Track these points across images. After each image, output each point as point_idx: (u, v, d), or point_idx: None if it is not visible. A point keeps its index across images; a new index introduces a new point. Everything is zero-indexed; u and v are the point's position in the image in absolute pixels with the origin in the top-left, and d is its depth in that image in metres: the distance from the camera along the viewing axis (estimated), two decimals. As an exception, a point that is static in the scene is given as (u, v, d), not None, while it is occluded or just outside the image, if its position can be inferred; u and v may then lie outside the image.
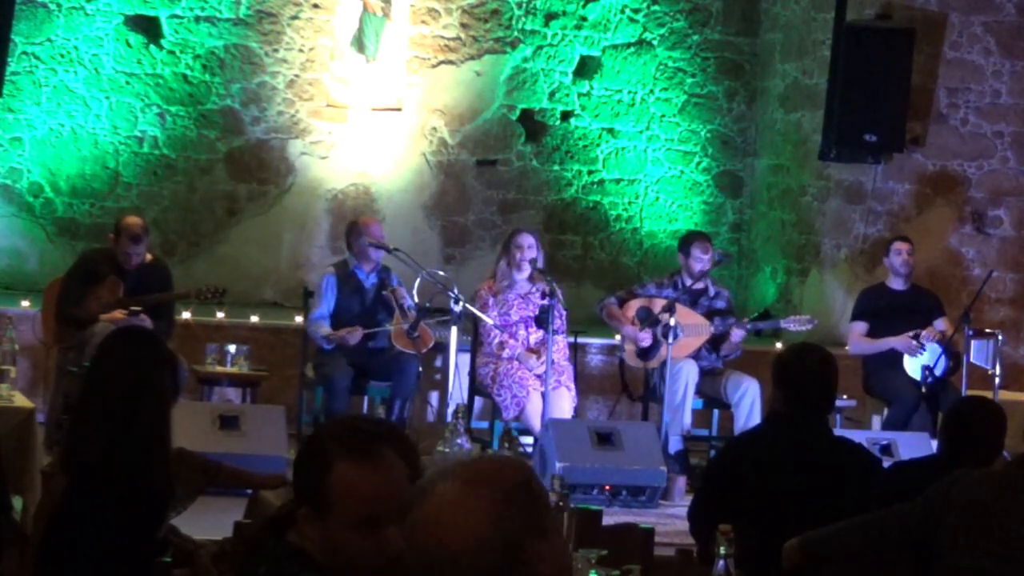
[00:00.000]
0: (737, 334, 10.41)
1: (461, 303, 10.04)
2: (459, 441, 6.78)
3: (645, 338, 10.42)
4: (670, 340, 10.04)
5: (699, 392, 10.40)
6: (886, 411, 10.69)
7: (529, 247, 10.31)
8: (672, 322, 10.02)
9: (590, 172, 13.70)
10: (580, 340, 10.93)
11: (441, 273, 10.59)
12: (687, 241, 10.74)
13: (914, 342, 10.54)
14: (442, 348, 10.61)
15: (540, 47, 13.55)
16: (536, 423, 9.92)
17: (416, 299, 10.29)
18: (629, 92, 13.70)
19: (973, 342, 10.53)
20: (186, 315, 11.08)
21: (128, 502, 5.11)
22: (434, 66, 13.38)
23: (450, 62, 13.42)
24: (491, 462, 2.83)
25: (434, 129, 13.41)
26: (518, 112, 13.59)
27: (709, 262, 10.53)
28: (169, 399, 5.37)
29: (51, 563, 5.16)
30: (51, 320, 10.03)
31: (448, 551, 2.75)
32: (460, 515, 2.75)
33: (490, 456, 2.96)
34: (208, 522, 6.35)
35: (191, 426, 8.86)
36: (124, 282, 9.97)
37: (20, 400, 8.25)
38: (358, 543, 3.04)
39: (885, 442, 9.62)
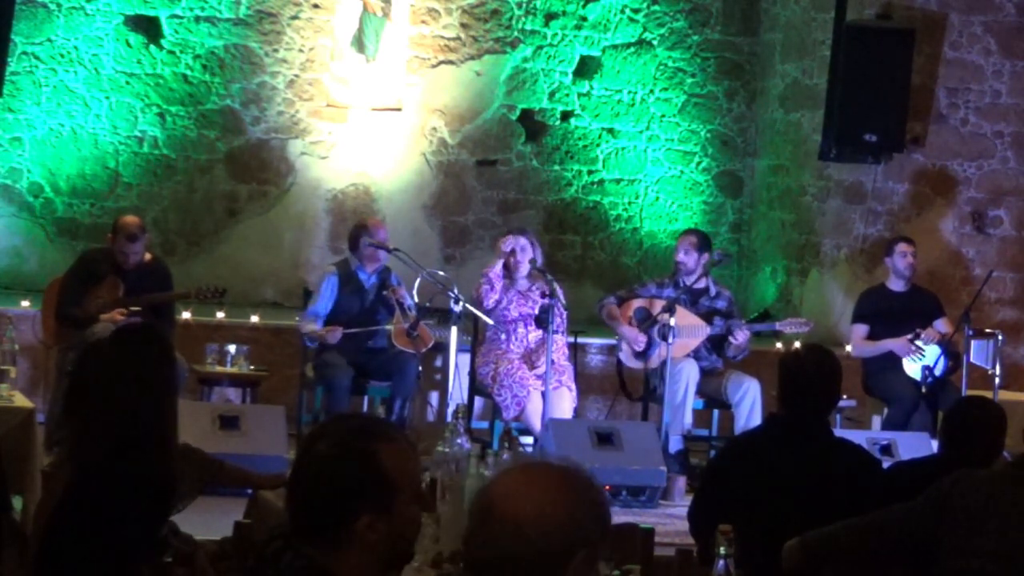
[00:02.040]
0: (741, 336, 10.39)
1: (461, 303, 10.03)
2: (459, 441, 6.75)
3: (641, 341, 10.42)
4: (670, 340, 10.04)
5: (700, 392, 10.39)
6: (886, 411, 10.68)
7: (523, 249, 10.27)
8: (672, 322, 10.02)
9: (590, 172, 13.70)
10: (580, 340, 10.92)
11: (441, 273, 10.59)
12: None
13: (912, 346, 10.53)
14: (442, 348, 10.61)
15: (540, 47, 13.55)
16: (536, 423, 9.91)
17: (416, 299, 10.28)
18: (629, 92, 13.70)
19: (973, 342, 10.52)
20: (186, 315, 11.08)
21: (132, 501, 5.11)
22: (434, 66, 13.38)
23: (450, 62, 13.42)
24: (587, 472, 2.84)
25: (434, 129, 13.41)
26: (518, 112, 13.59)
27: (696, 257, 10.50)
28: (175, 395, 5.38)
29: (51, 563, 5.15)
30: (51, 320, 10.02)
31: (512, 517, 2.73)
32: (539, 487, 2.75)
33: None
34: (208, 522, 6.35)
35: (191, 426, 8.85)
36: (123, 282, 9.96)
37: (20, 400, 8.24)
38: (417, 516, 3.04)
39: (885, 442, 9.62)
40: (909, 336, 10.55)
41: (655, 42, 13.71)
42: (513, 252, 10.26)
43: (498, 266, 10.33)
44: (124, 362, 5.28)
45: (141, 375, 5.24)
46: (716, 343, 10.53)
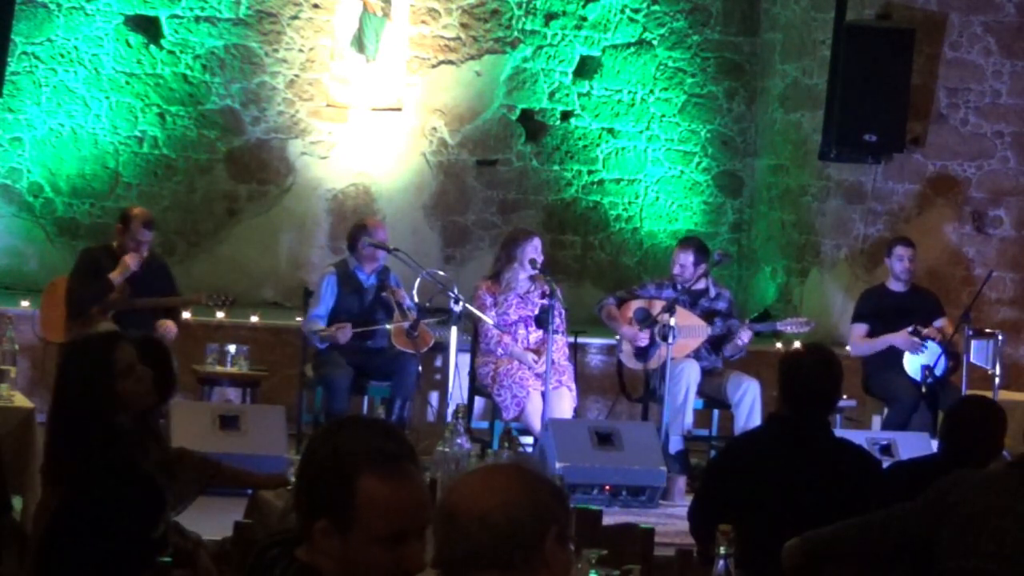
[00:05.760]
0: (744, 336, 10.40)
1: (461, 303, 10.04)
2: (459, 441, 6.76)
3: (642, 338, 10.43)
4: (670, 340, 10.04)
5: (699, 392, 10.39)
6: (886, 411, 10.68)
7: (539, 251, 10.32)
8: (672, 322, 10.01)
9: (590, 172, 13.70)
10: (580, 340, 10.93)
11: (441, 273, 10.59)
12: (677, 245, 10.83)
13: (915, 338, 10.53)
14: (442, 348, 10.61)
15: (540, 47, 13.55)
16: (536, 423, 9.91)
17: (416, 299, 10.28)
18: (629, 92, 13.69)
19: (973, 342, 10.52)
20: (186, 315, 11.07)
21: (117, 503, 5.11)
22: (434, 66, 13.38)
23: (450, 62, 13.41)
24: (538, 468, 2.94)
25: (434, 129, 13.41)
26: (518, 112, 13.58)
27: (692, 267, 10.49)
28: (127, 403, 5.33)
29: (51, 563, 5.15)
30: (53, 316, 10.01)
31: (476, 511, 2.79)
32: (496, 480, 2.84)
33: None
34: (208, 522, 6.35)
35: (191, 426, 8.88)
36: (128, 282, 9.96)
37: (20, 400, 8.24)
38: (381, 558, 2.97)
39: (885, 442, 9.61)
40: (909, 329, 10.54)
41: (655, 42, 13.71)
42: (536, 250, 10.26)
43: (483, 287, 10.37)
44: (79, 367, 5.29)
45: (88, 386, 5.23)
46: (716, 343, 10.54)
